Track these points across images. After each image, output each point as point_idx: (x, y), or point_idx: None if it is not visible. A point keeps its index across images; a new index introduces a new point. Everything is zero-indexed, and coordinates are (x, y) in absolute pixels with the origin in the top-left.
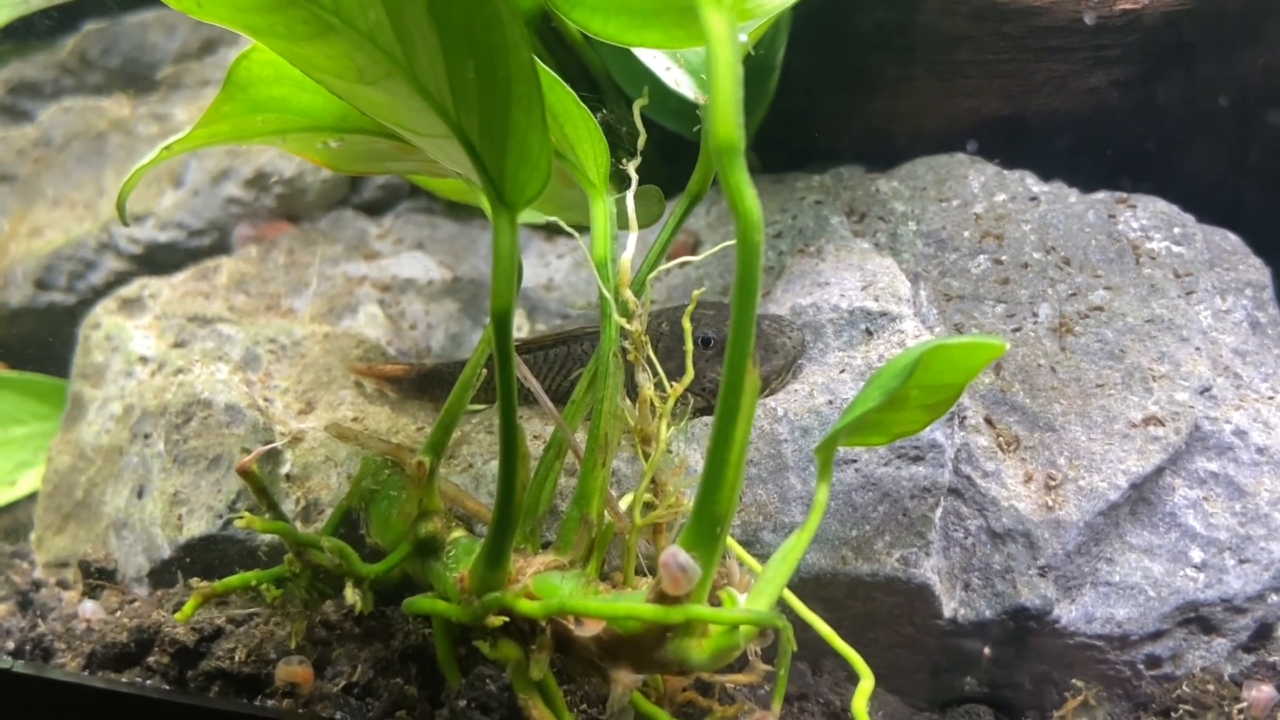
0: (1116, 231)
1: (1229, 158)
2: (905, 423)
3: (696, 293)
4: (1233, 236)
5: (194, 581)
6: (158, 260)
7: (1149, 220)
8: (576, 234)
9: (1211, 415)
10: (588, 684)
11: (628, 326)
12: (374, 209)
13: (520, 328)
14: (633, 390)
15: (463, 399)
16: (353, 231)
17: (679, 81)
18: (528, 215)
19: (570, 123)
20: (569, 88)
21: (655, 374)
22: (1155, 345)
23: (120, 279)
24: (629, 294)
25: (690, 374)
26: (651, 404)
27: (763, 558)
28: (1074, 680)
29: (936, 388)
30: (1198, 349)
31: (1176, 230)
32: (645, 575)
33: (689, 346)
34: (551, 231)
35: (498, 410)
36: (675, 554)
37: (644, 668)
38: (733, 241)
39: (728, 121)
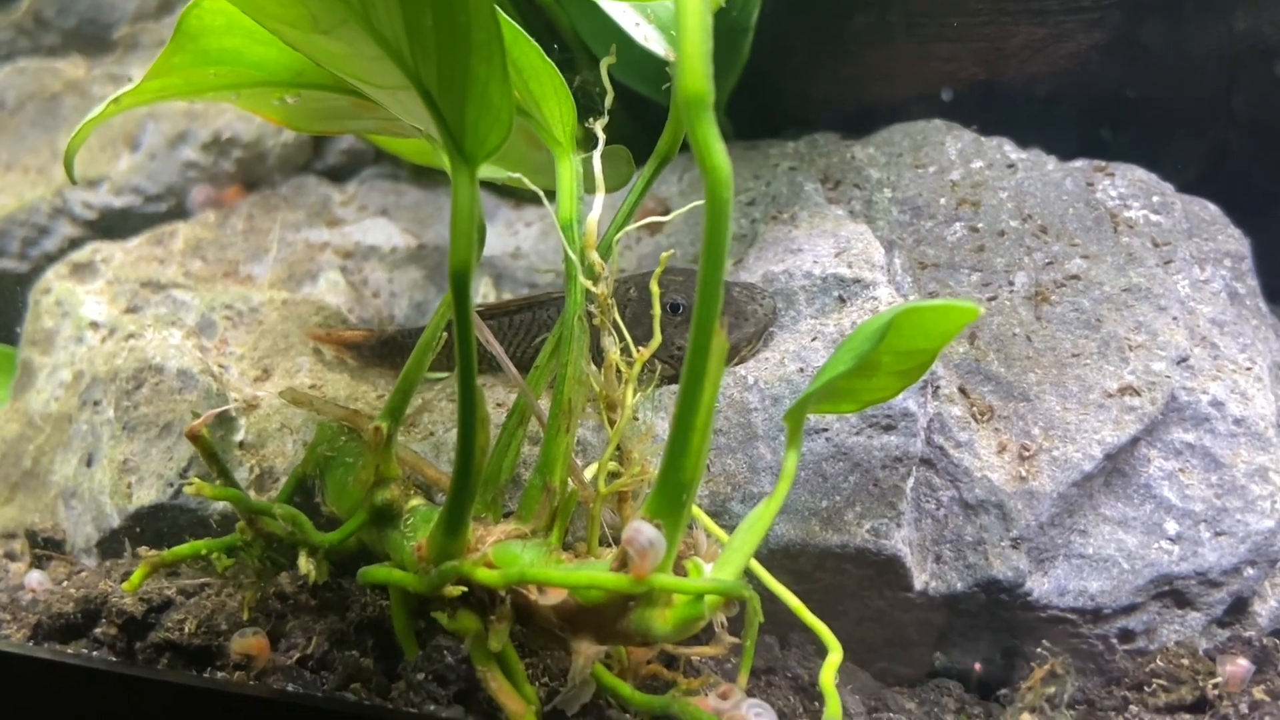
0: (1094, 200)
1: (1211, 124)
2: (877, 389)
3: (665, 254)
4: (1211, 206)
5: (142, 550)
6: (113, 226)
7: (1127, 188)
8: (543, 195)
9: (1188, 385)
10: (549, 657)
11: (594, 289)
12: (337, 175)
13: (486, 296)
14: (598, 356)
15: (422, 363)
16: (315, 198)
17: (648, 37)
18: (489, 172)
19: (535, 78)
20: (534, 42)
21: (621, 339)
22: (1132, 315)
23: (74, 245)
24: (595, 256)
25: (658, 339)
26: (617, 369)
27: (731, 529)
28: (1039, 649)
29: (909, 353)
30: (1175, 319)
31: (1155, 199)
32: (610, 546)
33: (656, 311)
34: (519, 200)
35: (456, 373)
36: (641, 528)
37: (607, 639)
38: (703, 202)
39: (696, 73)
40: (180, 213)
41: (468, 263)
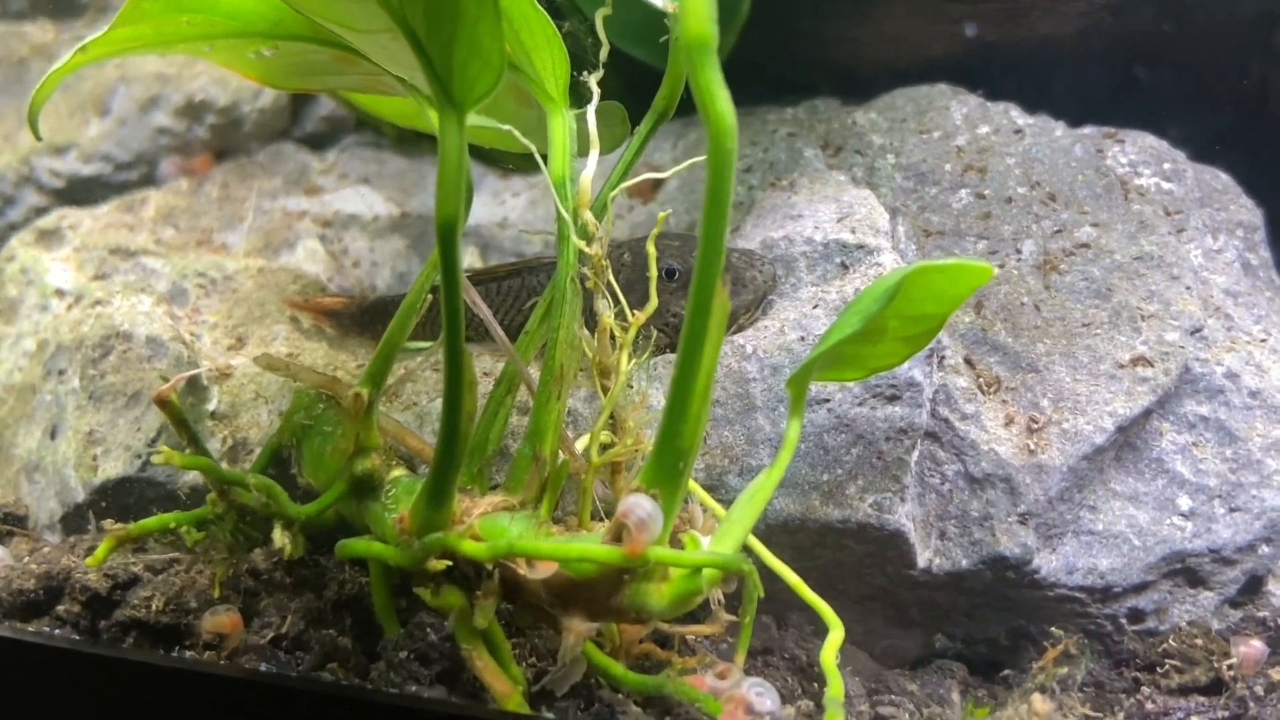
0: (1104, 166)
1: (1225, 88)
2: (883, 356)
3: (662, 214)
4: (1223, 175)
5: (107, 524)
6: (81, 195)
7: (1138, 155)
8: (535, 151)
9: (1202, 357)
10: (537, 635)
11: (587, 250)
12: (317, 142)
13: (473, 266)
14: (591, 321)
15: (405, 326)
16: (293, 165)
17: None
18: (478, 121)
19: (526, 28)
20: None
21: (616, 302)
22: (1144, 284)
23: (41, 214)
24: (589, 215)
25: (654, 303)
26: (611, 334)
27: (728, 504)
28: (1052, 629)
29: (917, 318)
30: (1188, 288)
31: (1166, 166)
32: (601, 520)
33: (653, 274)
34: (507, 169)
35: (443, 333)
36: (639, 500)
37: (598, 615)
38: (702, 158)
39: (700, 15)
40: (152, 181)
41: (455, 215)
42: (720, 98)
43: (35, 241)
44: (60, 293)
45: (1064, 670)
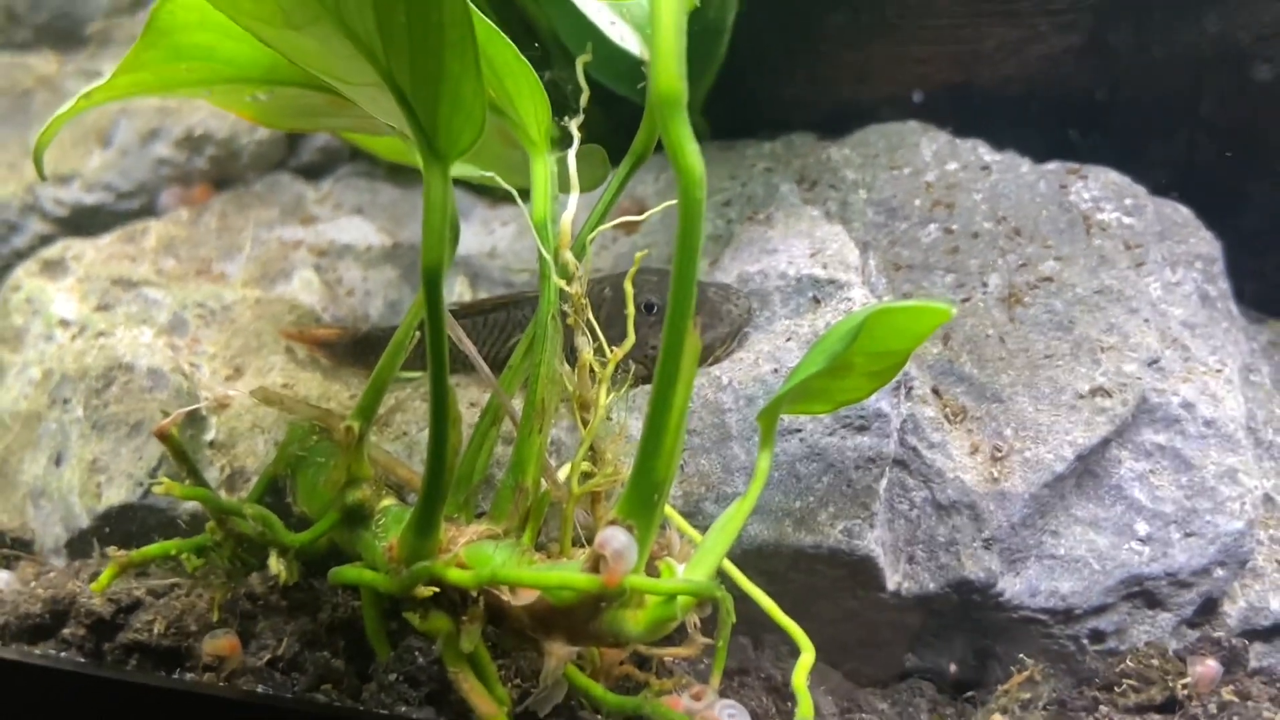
0: (1068, 202)
1: (1183, 126)
2: (850, 390)
3: (640, 254)
4: (1184, 209)
5: (111, 551)
6: (84, 223)
7: (1100, 191)
8: (517, 194)
9: (1159, 387)
10: (521, 658)
11: (567, 289)
12: (312, 172)
13: (462, 295)
14: (572, 356)
15: (394, 362)
16: (289, 195)
17: (623, 36)
18: (464, 170)
19: (510, 77)
20: (508, 40)
21: (595, 339)
22: (1104, 316)
23: (45, 242)
24: (569, 255)
25: (631, 338)
26: (591, 369)
27: (705, 529)
28: (1020, 655)
29: (881, 354)
30: (1147, 321)
31: (1128, 201)
32: (583, 546)
33: (630, 310)
34: (495, 199)
35: (428, 373)
36: (614, 534)
37: (579, 640)
38: (676, 201)
39: (669, 73)
40: (152, 210)
41: (440, 261)
42: (690, 151)
43: (40, 271)
44: (64, 323)
45: (1027, 695)
